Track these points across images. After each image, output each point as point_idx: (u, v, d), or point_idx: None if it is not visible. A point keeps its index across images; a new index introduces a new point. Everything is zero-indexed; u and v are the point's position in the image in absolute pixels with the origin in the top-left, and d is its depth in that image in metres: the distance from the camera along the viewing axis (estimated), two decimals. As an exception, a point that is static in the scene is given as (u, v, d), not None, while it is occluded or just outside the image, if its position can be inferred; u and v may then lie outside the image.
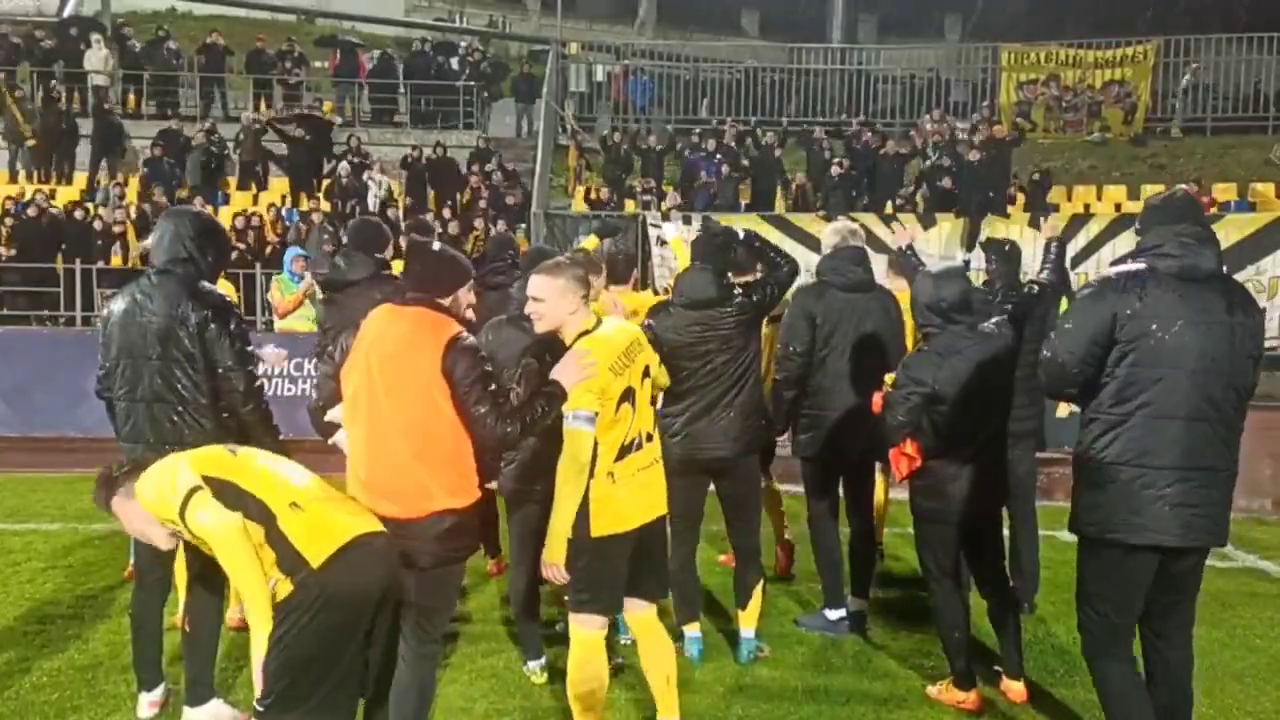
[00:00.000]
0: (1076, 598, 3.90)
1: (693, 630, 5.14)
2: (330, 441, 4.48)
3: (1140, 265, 3.72)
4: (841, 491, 5.69)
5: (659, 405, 4.58)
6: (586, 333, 3.86)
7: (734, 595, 5.24)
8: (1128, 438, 3.65)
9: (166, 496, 3.41)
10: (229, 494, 3.36)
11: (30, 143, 18.51)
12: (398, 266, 6.02)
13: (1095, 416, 3.73)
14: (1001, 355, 4.50)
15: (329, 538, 3.31)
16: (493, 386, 3.56)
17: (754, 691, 4.80)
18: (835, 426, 5.39)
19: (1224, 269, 3.77)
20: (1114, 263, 3.88)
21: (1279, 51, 21.33)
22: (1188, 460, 3.62)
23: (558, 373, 3.70)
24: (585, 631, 3.93)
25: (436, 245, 3.90)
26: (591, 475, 3.77)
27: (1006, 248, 6.00)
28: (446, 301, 3.69)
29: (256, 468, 3.50)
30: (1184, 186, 17.87)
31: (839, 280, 5.43)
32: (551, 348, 3.87)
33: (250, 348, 4.28)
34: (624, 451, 3.84)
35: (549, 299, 3.85)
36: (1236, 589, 6.54)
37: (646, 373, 3.98)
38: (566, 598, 3.98)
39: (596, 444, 3.75)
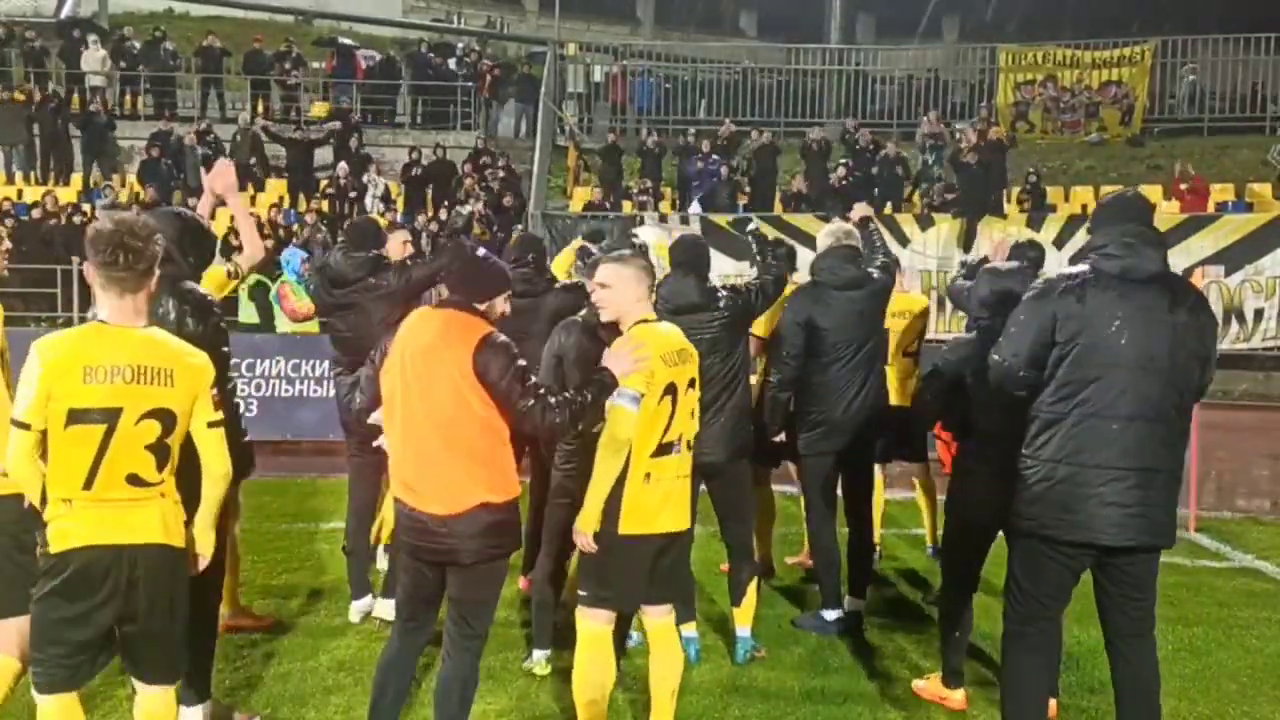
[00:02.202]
0: (1005, 584, 3.98)
1: (689, 630, 5.12)
2: (375, 444, 4.58)
3: (1084, 266, 3.77)
4: (839, 492, 5.68)
5: None
6: (644, 322, 3.89)
7: (729, 594, 5.24)
8: (1064, 436, 3.68)
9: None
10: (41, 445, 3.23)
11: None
12: None
13: (1036, 415, 3.76)
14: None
15: (71, 536, 3.24)
16: (531, 380, 3.58)
17: (750, 692, 4.80)
18: (836, 426, 5.38)
19: (1168, 268, 3.80)
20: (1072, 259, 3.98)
21: (1276, 52, 21.34)
22: (1123, 460, 3.63)
23: (609, 360, 3.72)
24: (593, 625, 3.92)
25: (481, 250, 3.93)
26: (628, 473, 3.77)
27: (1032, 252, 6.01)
28: (483, 307, 3.70)
29: (71, 450, 3.22)
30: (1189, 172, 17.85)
31: (833, 279, 5.41)
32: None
33: (227, 348, 4.23)
34: (662, 450, 3.83)
35: (616, 285, 3.91)
36: (1234, 589, 6.55)
37: (692, 384, 3.99)
38: (581, 592, 3.97)
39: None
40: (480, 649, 3.83)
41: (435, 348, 3.61)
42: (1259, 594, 6.47)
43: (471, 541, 3.59)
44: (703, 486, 5.13)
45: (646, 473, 3.80)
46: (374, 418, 4.18)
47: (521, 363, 3.59)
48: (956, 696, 4.64)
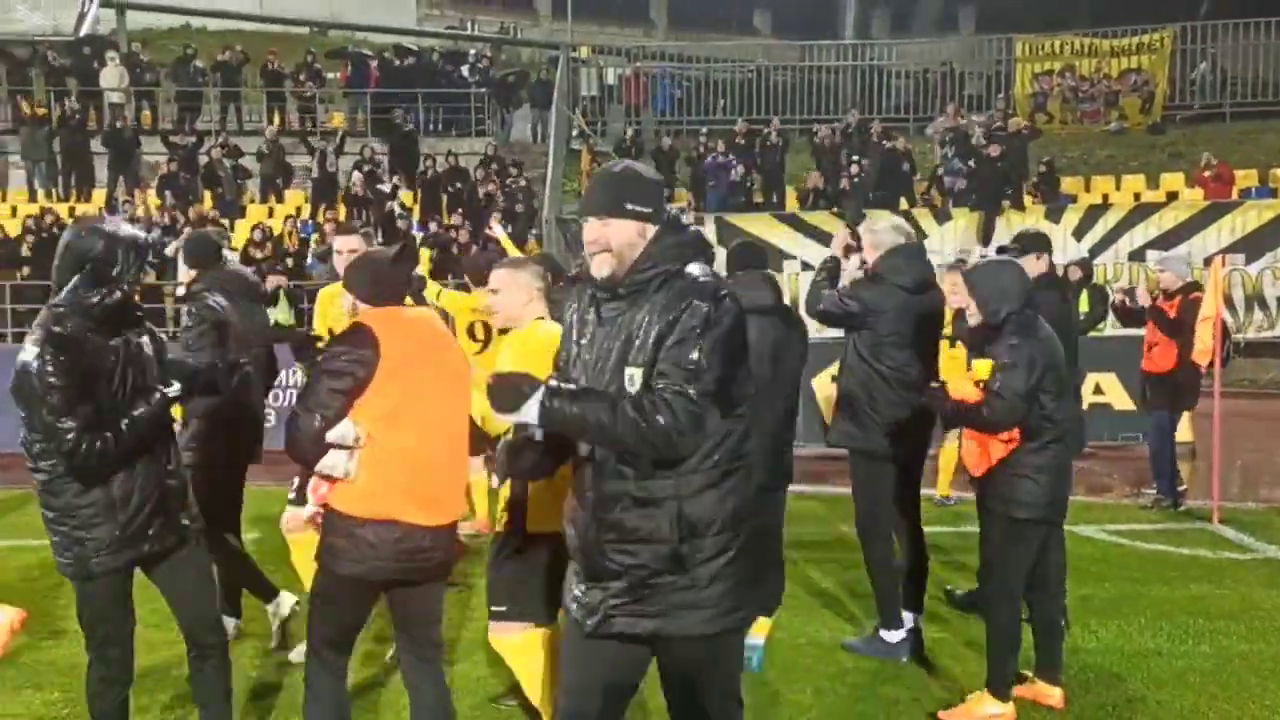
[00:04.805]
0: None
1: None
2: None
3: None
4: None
5: None
6: (541, 319, 3.92)
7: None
8: None
9: None
10: None
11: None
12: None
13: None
14: (1060, 347, 4.52)
15: None
16: None
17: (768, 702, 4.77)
18: (889, 426, 5.05)
19: None
20: None
21: (1298, 35, 21.09)
22: None
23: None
24: (510, 639, 3.84)
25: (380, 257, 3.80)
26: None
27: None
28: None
29: None
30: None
31: (904, 280, 5.06)
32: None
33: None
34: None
35: (506, 290, 3.96)
36: (1257, 580, 6.45)
37: None
38: (496, 607, 3.90)
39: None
40: (441, 661, 3.77)
41: (446, 348, 3.58)
42: (1282, 585, 6.37)
43: (449, 550, 3.53)
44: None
45: None
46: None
47: None
48: (1008, 710, 4.44)
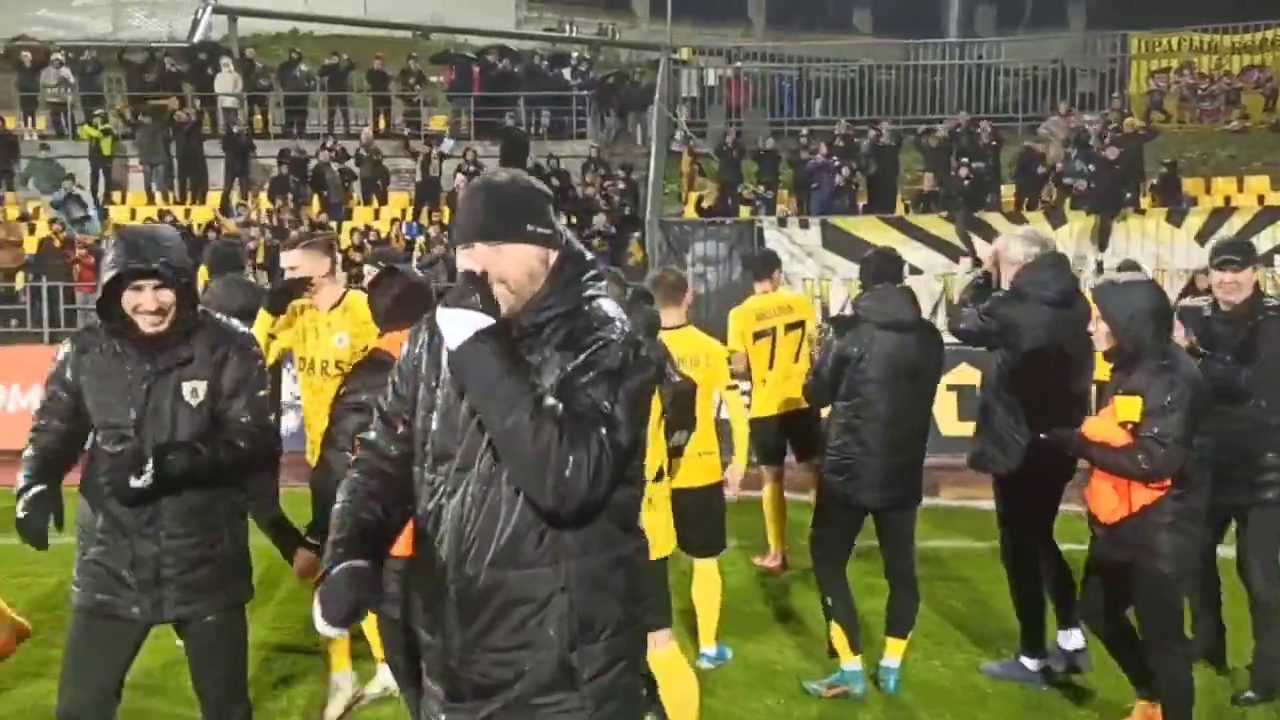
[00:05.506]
0: None
1: (851, 663, 4.89)
2: None
3: None
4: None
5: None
6: None
7: (886, 623, 5.04)
8: None
9: None
10: None
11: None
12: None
13: None
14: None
15: None
16: None
17: None
18: (1034, 448, 4.77)
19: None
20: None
21: None
22: None
23: None
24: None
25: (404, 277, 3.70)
26: None
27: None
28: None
29: None
30: None
31: (1048, 294, 4.82)
32: None
33: None
34: (658, 475, 3.85)
35: None
36: None
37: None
38: None
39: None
40: None
41: None
42: None
43: None
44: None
45: (649, 497, 3.44)
46: None
47: None
48: None
